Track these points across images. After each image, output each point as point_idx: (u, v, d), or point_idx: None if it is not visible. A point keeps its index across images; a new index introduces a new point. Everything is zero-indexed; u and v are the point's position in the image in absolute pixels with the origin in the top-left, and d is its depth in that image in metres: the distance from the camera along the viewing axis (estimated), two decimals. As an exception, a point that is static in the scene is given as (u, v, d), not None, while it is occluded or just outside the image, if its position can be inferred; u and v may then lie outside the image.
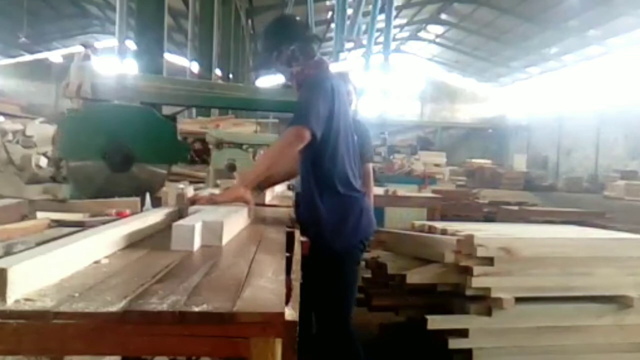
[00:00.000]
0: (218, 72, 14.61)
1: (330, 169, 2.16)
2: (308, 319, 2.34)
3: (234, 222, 1.71)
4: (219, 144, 4.80)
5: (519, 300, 2.75)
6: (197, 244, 1.41)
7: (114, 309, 0.88)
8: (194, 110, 9.82)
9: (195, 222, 1.44)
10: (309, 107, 2.06)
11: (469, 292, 2.78)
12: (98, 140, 2.58)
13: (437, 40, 29.86)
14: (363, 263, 2.57)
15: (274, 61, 2.29)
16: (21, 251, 1.12)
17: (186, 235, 1.39)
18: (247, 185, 2.02)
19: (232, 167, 4.63)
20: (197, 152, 5.66)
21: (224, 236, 1.51)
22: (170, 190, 2.37)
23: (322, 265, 2.13)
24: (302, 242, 1.77)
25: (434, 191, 7.94)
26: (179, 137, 2.91)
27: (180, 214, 1.91)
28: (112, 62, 11.77)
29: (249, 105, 3.20)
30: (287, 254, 1.47)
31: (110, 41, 16.32)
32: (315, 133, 2.01)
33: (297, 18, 2.81)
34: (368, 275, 3.50)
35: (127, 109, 2.66)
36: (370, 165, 3.61)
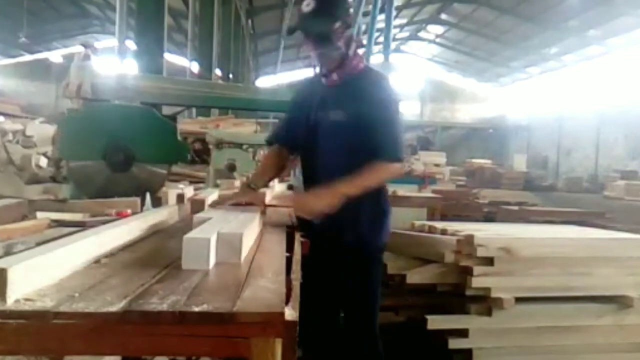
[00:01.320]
0: (218, 72, 14.61)
1: None
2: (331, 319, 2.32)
3: (251, 233, 1.53)
4: (219, 144, 4.80)
5: (519, 300, 2.75)
6: (212, 261, 1.22)
7: (114, 309, 0.88)
8: (194, 110, 9.82)
9: (210, 235, 1.23)
10: (399, 140, 2.04)
11: (469, 292, 2.78)
12: (98, 140, 2.58)
13: (437, 40, 29.86)
14: None
15: (333, 32, 1.96)
16: (21, 251, 1.12)
17: (200, 251, 1.19)
18: (336, 197, 1.91)
19: (232, 167, 4.63)
20: (197, 152, 5.66)
21: (243, 250, 1.31)
22: (170, 190, 2.37)
23: (357, 264, 2.13)
24: (302, 242, 1.77)
25: (434, 191, 7.92)
26: (179, 137, 2.91)
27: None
28: (112, 62, 11.76)
29: (249, 105, 3.20)
30: (287, 254, 1.47)
31: (110, 41, 16.32)
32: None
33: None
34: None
35: (127, 109, 2.66)
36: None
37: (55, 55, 25.99)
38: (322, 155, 2.12)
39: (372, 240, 2.17)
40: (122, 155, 2.58)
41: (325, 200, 1.91)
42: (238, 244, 1.28)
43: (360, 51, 2.19)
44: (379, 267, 2.28)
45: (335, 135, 2.06)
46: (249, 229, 1.47)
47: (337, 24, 1.96)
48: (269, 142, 2.36)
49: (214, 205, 2.07)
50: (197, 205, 2.09)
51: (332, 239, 2.11)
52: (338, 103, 2.06)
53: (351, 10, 2.11)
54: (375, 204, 2.14)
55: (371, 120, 2.00)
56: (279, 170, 2.39)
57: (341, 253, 2.11)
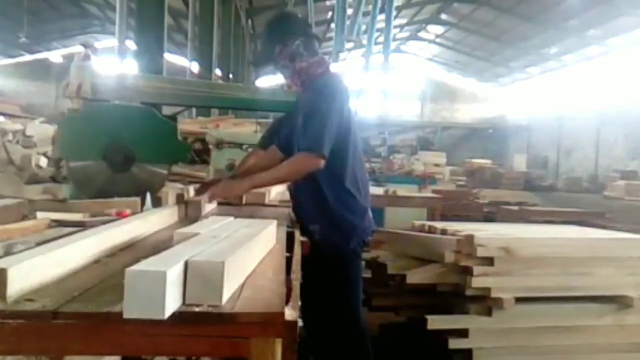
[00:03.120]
0: (218, 72, 14.60)
1: (343, 171, 2.20)
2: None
3: (251, 254, 1.20)
4: (219, 144, 4.80)
5: (519, 300, 2.75)
6: (173, 304, 0.88)
7: (114, 309, 0.88)
8: (194, 110, 9.81)
9: (171, 265, 0.88)
10: (323, 131, 2.06)
11: (469, 292, 2.78)
12: (98, 140, 2.58)
13: (437, 40, 29.84)
14: (363, 263, 2.62)
15: (276, 56, 2.25)
16: (21, 251, 1.12)
17: (152, 292, 0.84)
18: (245, 189, 2.17)
19: (232, 167, 4.62)
20: (197, 152, 5.65)
21: (229, 284, 0.96)
22: (170, 190, 2.37)
23: (330, 265, 2.17)
24: (302, 242, 1.77)
25: (434, 191, 7.93)
26: (179, 137, 2.91)
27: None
28: (112, 62, 11.76)
29: (249, 105, 3.19)
30: (287, 254, 1.47)
31: (110, 41, 16.31)
32: (326, 157, 2.06)
33: (299, 15, 2.84)
34: (368, 275, 3.49)
35: (128, 109, 2.66)
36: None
37: (55, 55, 25.97)
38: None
39: (348, 240, 2.20)
40: (122, 155, 2.57)
41: (233, 188, 2.20)
42: (218, 279, 0.92)
43: (320, 58, 2.34)
44: (359, 264, 2.32)
45: (298, 137, 2.21)
46: (248, 249, 1.15)
47: (277, 48, 2.24)
48: (260, 145, 2.66)
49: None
50: (194, 207, 2.08)
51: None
52: (299, 107, 2.28)
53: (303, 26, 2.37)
54: (348, 203, 2.21)
55: (304, 115, 2.16)
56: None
57: (317, 254, 2.06)
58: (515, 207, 7.06)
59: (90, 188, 2.55)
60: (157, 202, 2.20)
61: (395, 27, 22.49)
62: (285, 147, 2.36)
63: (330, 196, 2.18)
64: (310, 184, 2.17)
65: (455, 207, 7.04)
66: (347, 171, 2.21)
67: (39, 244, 1.20)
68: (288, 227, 1.94)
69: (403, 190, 6.74)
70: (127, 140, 2.59)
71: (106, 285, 1.02)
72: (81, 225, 1.67)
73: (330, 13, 19.04)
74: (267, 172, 2.16)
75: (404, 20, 26.51)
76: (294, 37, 2.23)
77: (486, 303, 2.78)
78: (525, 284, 2.82)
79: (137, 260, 0.94)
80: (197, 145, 5.73)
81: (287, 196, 3.15)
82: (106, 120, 2.61)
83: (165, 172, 2.72)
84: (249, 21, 20.68)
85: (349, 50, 18.57)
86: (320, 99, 2.14)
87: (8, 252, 1.18)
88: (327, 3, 19.58)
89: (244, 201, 2.64)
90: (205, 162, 5.56)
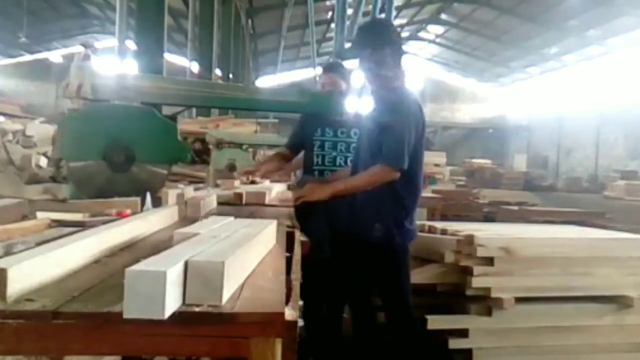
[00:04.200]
0: (218, 72, 14.60)
1: (416, 180, 2.48)
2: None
3: (250, 254, 1.19)
4: (219, 144, 4.80)
5: (519, 300, 2.75)
6: (173, 304, 0.88)
7: (114, 309, 0.88)
8: (194, 110, 9.82)
9: (171, 265, 0.89)
10: (402, 146, 2.30)
11: (469, 292, 2.78)
12: (98, 140, 2.58)
13: (437, 40, 29.83)
14: None
15: (364, 57, 2.44)
16: (21, 251, 1.12)
17: (152, 292, 0.84)
18: (329, 193, 2.39)
19: (232, 167, 4.63)
20: (197, 152, 5.66)
21: (229, 284, 0.96)
22: (170, 190, 2.37)
23: (393, 259, 2.48)
24: (302, 242, 1.77)
25: (434, 191, 7.93)
26: (179, 137, 2.91)
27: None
28: (112, 62, 11.75)
29: (249, 105, 3.19)
30: (287, 254, 1.46)
31: (110, 41, 16.29)
32: (404, 170, 2.31)
33: (394, 26, 3.11)
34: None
35: (128, 109, 2.66)
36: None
37: (55, 55, 25.98)
38: (358, 157, 2.59)
39: (391, 238, 2.44)
40: (122, 155, 2.57)
41: (322, 190, 2.41)
42: (218, 279, 0.92)
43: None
44: (402, 263, 2.56)
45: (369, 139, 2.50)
46: (248, 249, 1.15)
47: (368, 51, 2.42)
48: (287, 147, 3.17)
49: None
50: (194, 207, 2.08)
51: (354, 236, 2.50)
52: (371, 117, 2.55)
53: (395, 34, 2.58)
54: (395, 204, 2.44)
55: (381, 127, 2.38)
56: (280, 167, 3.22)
57: (362, 250, 2.46)
58: (515, 207, 7.06)
59: (90, 188, 2.55)
60: (157, 202, 2.20)
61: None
62: (292, 146, 3.00)
63: (404, 200, 2.44)
64: (386, 188, 2.37)
65: (455, 207, 7.04)
66: (418, 180, 2.49)
67: (39, 244, 1.20)
68: (288, 227, 1.94)
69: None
70: (127, 140, 2.59)
71: (106, 285, 1.02)
72: (81, 225, 1.67)
73: (330, 13, 19.04)
74: (348, 180, 2.46)
75: (404, 20, 26.50)
76: (385, 46, 2.42)
77: (486, 303, 2.78)
78: (525, 284, 2.82)
79: (137, 260, 0.94)
80: (197, 145, 5.74)
81: (287, 196, 3.15)
82: (106, 120, 2.61)
83: (165, 172, 2.72)
84: (249, 21, 20.67)
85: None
86: (398, 115, 2.35)
87: (8, 252, 1.18)
88: (327, 3, 19.59)
89: (244, 201, 2.65)
90: (205, 162, 5.57)
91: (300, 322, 2.57)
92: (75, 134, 2.63)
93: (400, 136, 2.30)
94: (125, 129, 2.60)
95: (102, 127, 2.59)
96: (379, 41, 2.41)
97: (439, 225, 3.48)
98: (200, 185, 4.06)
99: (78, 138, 2.61)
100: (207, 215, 1.96)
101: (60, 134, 2.75)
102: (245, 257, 1.12)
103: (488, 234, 3.05)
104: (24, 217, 1.81)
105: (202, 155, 5.77)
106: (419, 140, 2.41)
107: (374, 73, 2.44)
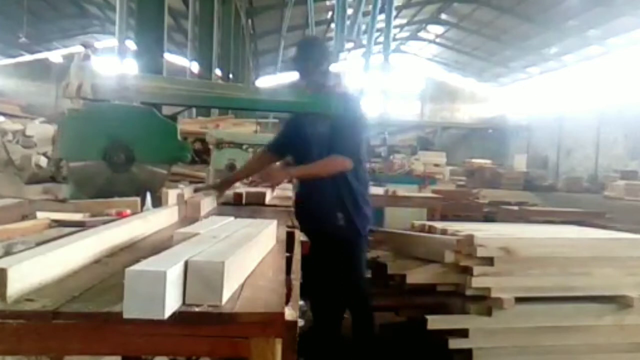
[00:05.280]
0: (218, 72, 14.60)
1: (363, 172, 2.87)
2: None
3: (250, 254, 1.18)
4: (219, 144, 4.79)
5: (519, 300, 2.75)
6: (173, 304, 0.88)
7: (114, 309, 0.88)
8: (194, 110, 9.81)
9: (171, 265, 0.89)
10: (357, 141, 2.73)
11: (469, 292, 2.78)
12: (98, 140, 2.58)
13: (437, 40, 29.83)
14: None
15: (306, 69, 2.81)
16: (21, 251, 1.12)
17: (152, 292, 0.84)
18: (285, 177, 2.84)
19: (232, 167, 4.62)
20: (197, 152, 5.65)
21: (229, 284, 0.96)
22: (170, 190, 2.37)
23: (348, 246, 2.77)
24: (302, 242, 1.77)
25: (434, 191, 7.92)
26: (180, 137, 2.90)
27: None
28: (112, 62, 11.75)
29: (249, 105, 3.18)
30: (287, 254, 1.47)
31: (110, 41, 16.30)
32: (360, 159, 2.74)
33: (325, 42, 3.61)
34: (368, 275, 3.49)
35: (128, 109, 2.66)
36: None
37: (55, 55, 25.96)
38: (312, 158, 2.78)
39: (362, 225, 2.79)
40: (122, 155, 2.57)
41: (280, 175, 2.81)
42: (218, 279, 0.92)
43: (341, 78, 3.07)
44: (363, 248, 2.92)
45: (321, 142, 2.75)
46: (248, 249, 1.15)
47: (310, 64, 2.78)
48: (268, 148, 3.14)
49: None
50: (193, 207, 2.08)
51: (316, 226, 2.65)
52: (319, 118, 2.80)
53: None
54: (363, 197, 2.81)
55: (332, 126, 2.71)
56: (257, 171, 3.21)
57: (324, 238, 2.65)
58: (515, 207, 7.07)
59: (90, 188, 2.55)
60: (157, 202, 2.20)
61: (395, 27, 22.50)
62: (277, 150, 3.06)
63: (356, 190, 2.76)
64: (339, 180, 2.71)
65: (455, 207, 7.05)
66: (364, 171, 2.89)
67: (39, 244, 1.20)
68: (288, 227, 1.94)
69: (403, 190, 6.74)
70: (127, 140, 2.59)
71: (106, 285, 1.02)
72: (81, 225, 1.67)
73: (330, 13, 19.06)
74: (306, 167, 2.74)
75: (404, 20, 26.51)
76: (324, 61, 2.83)
77: (486, 303, 2.78)
78: (525, 284, 2.82)
79: (137, 260, 0.94)
80: (197, 145, 5.73)
81: (286, 196, 3.15)
82: (107, 121, 2.61)
83: (165, 172, 2.72)
84: (249, 21, 20.67)
85: (349, 50, 18.54)
86: (350, 116, 2.73)
87: (8, 252, 1.18)
88: (327, 3, 19.60)
89: (243, 201, 2.65)
90: (205, 162, 5.56)
91: (301, 322, 2.58)
92: (75, 133, 2.63)
93: (353, 133, 2.71)
94: (125, 129, 2.60)
95: (102, 127, 2.59)
96: (320, 57, 2.82)
97: (439, 225, 3.48)
98: (200, 185, 4.06)
99: (78, 138, 2.61)
100: (207, 215, 1.96)
101: (60, 134, 2.75)
102: (245, 257, 1.12)
103: (488, 234, 3.05)
104: (24, 217, 1.81)
105: (202, 155, 5.76)
106: (366, 136, 2.90)
107: (320, 83, 2.79)
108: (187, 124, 6.79)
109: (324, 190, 2.77)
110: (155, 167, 2.68)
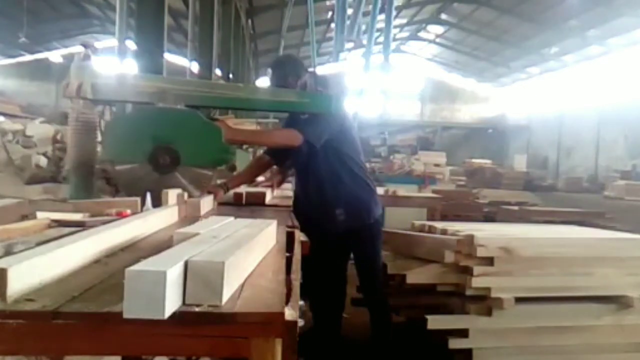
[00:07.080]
0: (218, 72, 14.58)
1: (352, 162, 2.89)
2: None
3: (250, 254, 1.18)
4: (219, 144, 4.79)
5: (519, 300, 2.75)
6: (173, 304, 0.88)
7: (114, 309, 0.88)
8: (193, 111, 9.77)
9: (171, 265, 0.88)
10: (323, 127, 2.72)
11: (469, 292, 2.78)
12: (144, 143, 2.57)
13: (437, 40, 29.81)
14: None
15: (288, 82, 2.87)
16: (21, 251, 1.12)
17: (152, 292, 0.84)
18: (234, 137, 2.71)
19: (232, 167, 4.61)
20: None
21: (229, 284, 0.96)
22: (170, 190, 2.36)
23: (367, 236, 2.90)
24: (302, 242, 1.77)
25: (434, 191, 7.93)
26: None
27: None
28: (112, 62, 11.75)
29: (249, 105, 3.18)
30: (287, 254, 1.46)
31: (110, 41, 16.28)
32: (313, 143, 2.68)
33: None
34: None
35: (173, 112, 2.65)
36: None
37: (55, 55, 25.96)
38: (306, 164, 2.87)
39: (372, 212, 2.88)
40: (167, 157, 2.57)
41: (230, 132, 2.70)
42: (218, 279, 0.92)
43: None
44: (378, 235, 2.99)
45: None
46: (248, 249, 1.14)
47: (290, 78, 2.86)
48: (266, 152, 3.16)
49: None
50: (193, 207, 2.08)
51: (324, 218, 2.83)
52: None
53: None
54: (364, 185, 2.89)
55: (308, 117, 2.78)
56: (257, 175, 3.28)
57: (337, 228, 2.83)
58: (515, 207, 7.07)
59: (136, 190, 2.54)
60: (157, 202, 2.20)
61: (395, 27, 22.50)
62: (273, 154, 3.05)
63: (346, 179, 2.82)
64: (335, 179, 2.80)
65: (455, 207, 7.05)
66: (361, 167, 2.93)
67: (39, 244, 1.20)
68: (288, 227, 1.94)
69: (403, 190, 6.74)
70: (173, 143, 2.59)
71: (106, 285, 1.02)
72: (81, 225, 1.67)
73: (330, 13, 19.03)
74: (255, 131, 2.95)
75: (404, 20, 26.50)
76: (302, 72, 2.93)
77: (486, 303, 2.78)
78: (525, 284, 2.82)
79: (137, 260, 0.94)
80: (197, 145, 5.72)
81: (286, 196, 3.15)
82: (152, 124, 2.61)
83: (210, 173, 2.72)
84: (249, 21, 20.67)
85: (349, 50, 18.53)
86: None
87: (8, 252, 1.18)
88: (327, 3, 19.57)
89: (244, 201, 2.65)
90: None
91: (301, 322, 2.58)
92: (120, 137, 2.63)
93: (320, 118, 2.72)
94: (170, 132, 2.60)
95: (147, 130, 2.59)
96: (298, 72, 2.90)
97: (439, 225, 3.48)
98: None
99: (124, 141, 2.62)
100: (207, 215, 1.96)
101: (105, 137, 2.74)
102: (245, 257, 1.12)
103: (488, 234, 3.05)
104: (24, 217, 1.81)
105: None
106: (348, 128, 2.91)
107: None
108: (187, 124, 6.78)
109: (323, 189, 2.83)
110: (201, 169, 2.68)
